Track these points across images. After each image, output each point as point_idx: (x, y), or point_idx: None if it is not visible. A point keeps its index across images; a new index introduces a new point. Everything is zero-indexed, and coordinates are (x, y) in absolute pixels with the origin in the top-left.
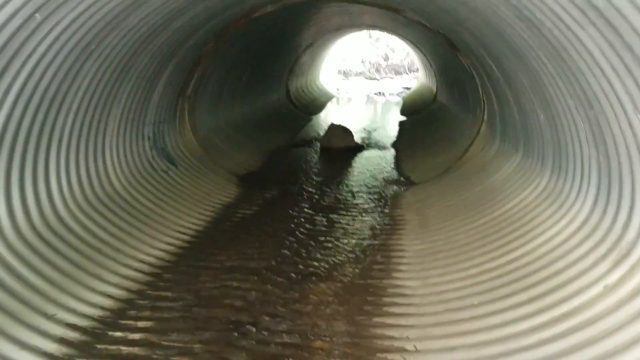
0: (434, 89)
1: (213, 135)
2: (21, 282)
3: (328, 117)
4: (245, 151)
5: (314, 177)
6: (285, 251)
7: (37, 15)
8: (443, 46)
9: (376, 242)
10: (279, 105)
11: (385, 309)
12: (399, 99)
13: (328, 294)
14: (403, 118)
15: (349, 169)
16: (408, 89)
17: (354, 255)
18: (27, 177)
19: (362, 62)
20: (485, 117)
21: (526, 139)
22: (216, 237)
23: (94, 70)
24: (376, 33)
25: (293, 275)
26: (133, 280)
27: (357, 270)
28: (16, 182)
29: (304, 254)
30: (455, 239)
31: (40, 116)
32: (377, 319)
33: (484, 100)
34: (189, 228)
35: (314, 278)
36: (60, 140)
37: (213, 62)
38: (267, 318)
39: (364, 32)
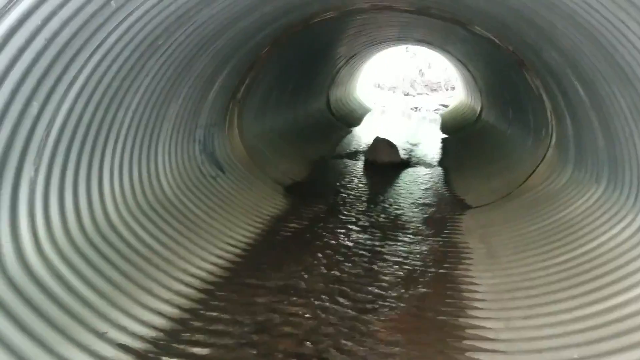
0: (478, 108)
1: (259, 141)
2: (72, 294)
3: (367, 130)
4: (290, 160)
5: (362, 193)
6: (341, 274)
7: (112, 2)
8: (504, 64)
9: (440, 270)
10: (320, 115)
11: (468, 355)
12: (437, 116)
13: (397, 329)
14: (444, 136)
15: (397, 186)
16: (446, 106)
17: (418, 284)
18: (81, 178)
19: (398, 77)
20: (554, 142)
21: (612, 169)
22: (267, 252)
23: (157, 68)
24: (414, 48)
25: (354, 302)
26: (185, 296)
27: (424, 303)
28: (70, 183)
29: (361, 279)
30: (532, 275)
31: (99, 113)
32: None
33: (552, 123)
34: (239, 240)
35: (377, 308)
36: (116, 140)
37: (264, 67)
38: (333, 352)
39: (401, 47)
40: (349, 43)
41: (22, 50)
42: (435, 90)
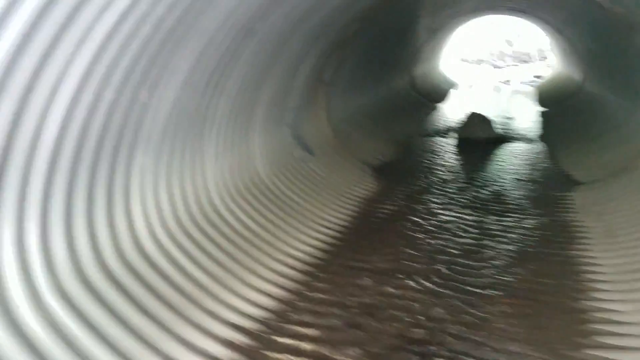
0: (578, 78)
1: (345, 122)
2: (184, 275)
3: (453, 106)
4: (377, 140)
5: (458, 171)
6: (447, 255)
7: None
8: (611, 29)
9: (556, 250)
10: (405, 93)
11: (597, 339)
12: (530, 89)
13: (516, 313)
14: (542, 109)
15: (496, 163)
16: (540, 77)
17: (533, 265)
18: (186, 163)
19: (484, 49)
20: None
21: None
22: (364, 234)
23: (252, 52)
24: (500, 18)
25: (462, 286)
26: (288, 278)
27: (541, 287)
28: (177, 168)
29: (470, 260)
30: None
31: (202, 100)
32: (590, 352)
33: None
34: (334, 223)
35: (491, 290)
36: (215, 127)
37: (351, 46)
38: (447, 338)
39: (486, 18)
40: (435, 15)
41: (131, 37)
42: (525, 61)
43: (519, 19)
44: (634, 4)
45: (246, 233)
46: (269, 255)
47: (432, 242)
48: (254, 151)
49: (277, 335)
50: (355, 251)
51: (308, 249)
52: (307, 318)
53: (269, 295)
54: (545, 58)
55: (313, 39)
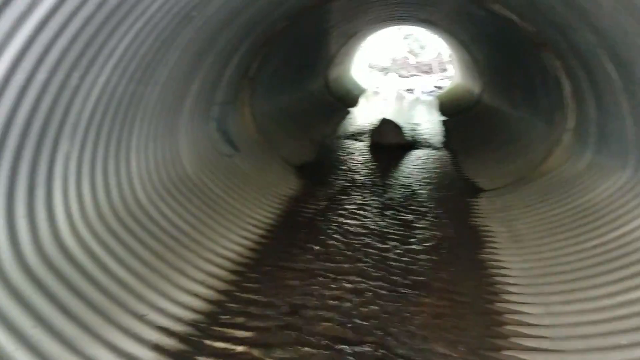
0: (477, 90)
1: (268, 120)
2: (108, 275)
3: (364, 111)
4: (297, 139)
5: (372, 174)
6: (367, 257)
7: None
8: (517, 45)
9: (467, 254)
10: (321, 95)
11: (512, 340)
12: (432, 98)
13: (435, 314)
14: (443, 118)
15: (407, 168)
16: (440, 88)
17: (447, 268)
18: (111, 154)
19: (390, 58)
20: (571, 125)
21: None
22: (291, 233)
23: (187, 41)
24: (406, 29)
25: (388, 285)
26: (217, 277)
27: (457, 287)
28: (101, 159)
29: (389, 262)
30: (564, 260)
31: (132, 87)
32: (507, 353)
33: (569, 106)
34: (261, 221)
35: (410, 292)
36: (143, 116)
37: (276, 44)
38: (378, 334)
39: (394, 28)
40: (352, 21)
41: (72, 16)
42: (427, 72)
43: (426, 30)
44: (545, 22)
45: (173, 231)
46: (198, 255)
47: (354, 242)
48: (181, 145)
49: (207, 338)
50: (284, 250)
51: (237, 247)
52: (237, 320)
53: (197, 296)
54: (446, 70)
55: (244, 32)
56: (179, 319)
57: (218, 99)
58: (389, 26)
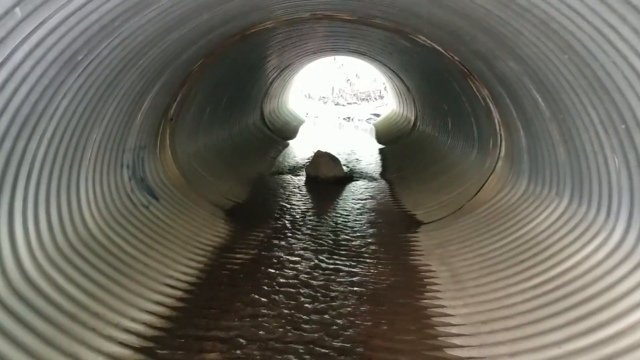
0: (412, 118)
1: (193, 162)
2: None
3: (303, 142)
4: (228, 180)
5: (308, 213)
6: (302, 315)
7: (17, 10)
8: (445, 74)
9: (407, 300)
10: (256, 129)
11: None
12: (369, 126)
13: None
14: (380, 146)
15: (344, 203)
16: (377, 115)
17: (386, 317)
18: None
19: (327, 87)
20: (503, 154)
21: (576, 183)
22: (214, 292)
23: (77, 88)
24: (342, 58)
25: (322, 350)
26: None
27: (398, 341)
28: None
29: (325, 318)
30: (507, 302)
31: (7, 144)
32: None
33: (501, 134)
34: (179, 280)
35: (349, 346)
36: (29, 175)
37: (197, 83)
38: None
39: (330, 57)
40: (283, 54)
41: None
42: (364, 99)
43: (360, 60)
44: (469, 52)
45: (68, 306)
46: (95, 331)
47: (284, 300)
48: (82, 200)
49: None
50: (203, 315)
51: (147, 317)
52: None
53: None
54: (382, 97)
55: (154, 74)
56: None
57: (130, 145)
58: (322, 57)
